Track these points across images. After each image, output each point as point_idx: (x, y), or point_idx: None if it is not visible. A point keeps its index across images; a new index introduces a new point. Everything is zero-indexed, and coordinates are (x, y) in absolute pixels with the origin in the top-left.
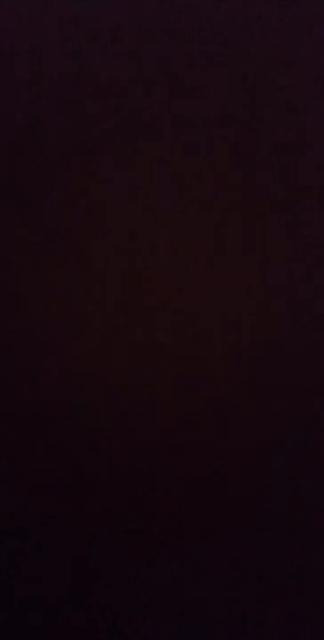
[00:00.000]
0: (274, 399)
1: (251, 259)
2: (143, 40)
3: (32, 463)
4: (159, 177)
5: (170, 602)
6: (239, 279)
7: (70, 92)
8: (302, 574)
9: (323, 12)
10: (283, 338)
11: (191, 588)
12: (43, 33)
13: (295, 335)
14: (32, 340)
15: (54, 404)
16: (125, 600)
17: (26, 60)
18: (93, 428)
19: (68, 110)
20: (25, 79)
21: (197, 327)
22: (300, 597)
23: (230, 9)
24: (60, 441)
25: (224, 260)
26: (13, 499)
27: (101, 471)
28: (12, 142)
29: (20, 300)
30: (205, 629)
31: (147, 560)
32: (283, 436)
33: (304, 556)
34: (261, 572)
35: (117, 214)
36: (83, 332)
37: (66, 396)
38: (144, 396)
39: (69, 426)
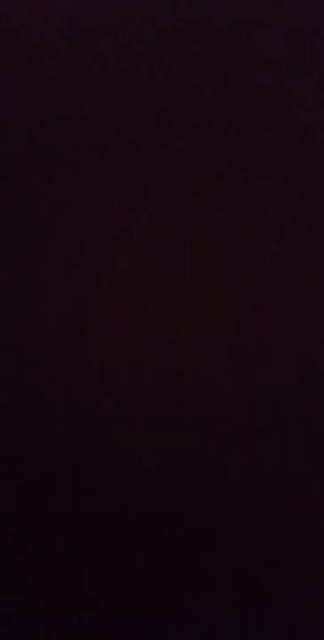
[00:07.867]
0: (273, 400)
1: (248, 262)
2: (143, 40)
3: (32, 463)
4: (159, 179)
5: (170, 602)
6: (239, 281)
7: (70, 93)
8: (302, 575)
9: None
10: (281, 340)
11: (191, 589)
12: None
13: (292, 337)
14: (32, 339)
15: (54, 405)
16: (125, 600)
17: (25, 61)
18: (94, 429)
19: (68, 111)
20: (24, 79)
21: (196, 328)
22: (300, 598)
23: (231, 8)
24: (61, 441)
25: (224, 264)
26: (13, 499)
27: (101, 472)
28: (12, 146)
29: (19, 298)
30: (205, 629)
31: (147, 560)
32: (283, 439)
33: (305, 555)
34: (261, 573)
35: (115, 216)
36: (82, 329)
37: (66, 396)
38: (145, 397)
39: (69, 426)
